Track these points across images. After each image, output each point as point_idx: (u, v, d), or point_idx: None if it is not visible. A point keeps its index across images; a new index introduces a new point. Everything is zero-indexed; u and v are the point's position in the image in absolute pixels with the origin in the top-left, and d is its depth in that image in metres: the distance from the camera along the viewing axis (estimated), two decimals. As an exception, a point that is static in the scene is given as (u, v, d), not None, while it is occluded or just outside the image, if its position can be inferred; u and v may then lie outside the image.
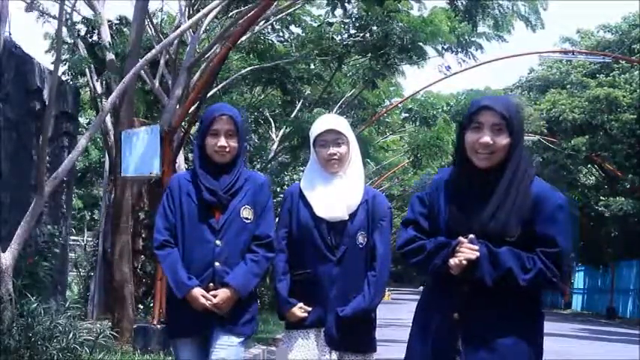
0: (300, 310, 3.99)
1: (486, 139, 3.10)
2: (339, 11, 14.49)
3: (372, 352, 4.08)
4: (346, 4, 13.32)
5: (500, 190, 3.11)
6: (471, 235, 3.12)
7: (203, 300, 3.91)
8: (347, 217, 3.97)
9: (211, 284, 3.94)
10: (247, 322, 4.01)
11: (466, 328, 3.13)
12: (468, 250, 3.07)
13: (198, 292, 3.92)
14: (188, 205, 4.01)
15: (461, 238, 3.11)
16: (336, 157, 3.99)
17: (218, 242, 3.95)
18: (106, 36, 10.35)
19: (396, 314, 23.95)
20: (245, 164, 4.15)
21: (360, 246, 3.97)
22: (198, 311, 3.93)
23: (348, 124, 4.14)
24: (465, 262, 3.07)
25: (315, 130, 4.06)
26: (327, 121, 4.09)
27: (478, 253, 3.06)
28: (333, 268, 3.95)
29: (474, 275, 3.08)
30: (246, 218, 4.00)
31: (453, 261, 3.08)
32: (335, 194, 3.98)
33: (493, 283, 3.07)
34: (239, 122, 4.05)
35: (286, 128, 18.13)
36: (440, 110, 21.50)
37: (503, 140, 3.11)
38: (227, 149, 4.00)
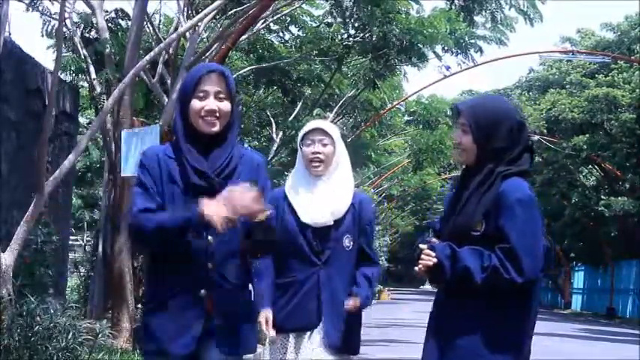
0: (265, 319, 3.91)
1: (454, 137, 3.31)
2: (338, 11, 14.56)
3: (358, 353, 4.09)
4: (345, 3, 13.37)
5: (470, 188, 3.22)
6: (434, 239, 3.25)
7: (218, 201, 3.03)
8: (331, 223, 3.95)
9: (202, 291, 3.15)
10: (249, 335, 3.29)
11: (434, 322, 3.32)
12: (426, 257, 3.19)
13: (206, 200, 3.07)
14: (170, 190, 3.21)
15: (421, 245, 3.23)
16: (319, 155, 3.96)
17: (210, 239, 3.15)
18: (105, 31, 10.36)
19: (397, 314, 23.96)
20: (239, 138, 3.56)
21: (347, 249, 3.97)
22: (186, 321, 3.16)
23: (339, 131, 4.10)
24: (423, 269, 3.20)
25: (304, 129, 4.07)
26: (316, 122, 4.13)
27: (435, 260, 3.16)
28: (319, 271, 3.93)
29: (439, 277, 3.20)
30: None
31: (416, 269, 3.25)
32: (319, 199, 3.96)
33: (456, 283, 3.15)
34: (231, 83, 3.29)
35: (287, 130, 18.15)
36: (443, 114, 21.51)
37: (468, 140, 3.24)
38: (217, 114, 3.22)
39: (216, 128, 3.24)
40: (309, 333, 3.93)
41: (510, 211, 3.09)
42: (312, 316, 3.91)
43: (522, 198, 3.12)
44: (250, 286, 3.34)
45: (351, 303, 3.91)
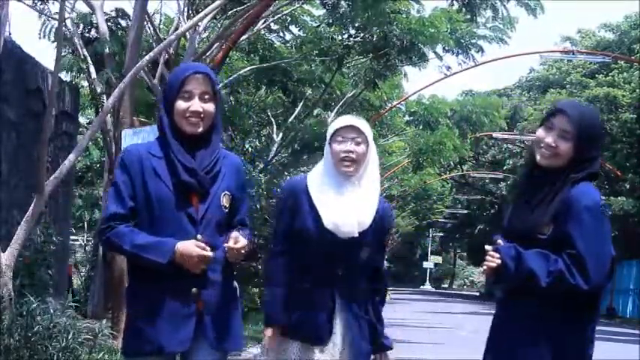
0: (273, 337, 3.61)
1: (550, 139, 3.18)
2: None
3: None
4: (343, 3, 13.36)
5: (543, 191, 3.17)
6: (499, 240, 3.20)
7: (199, 249, 3.14)
8: (356, 235, 3.61)
9: (194, 289, 3.20)
10: (237, 332, 3.36)
11: (496, 323, 3.29)
12: (490, 258, 3.16)
13: (187, 243, 3.14)
14: (156, 188, 3.21)
15: (486, 246, 3.20)
16: (352, 155, 3.61)
17: (199, 237, 3.20)
18: (105, 31, 10.36)
19: (397, 314, 23.96)
20: (222, 141, 3.48)
21: (363, 260, 3.68)
22: (180, 319, 3.20)
23: (370, 130, 3.75)
24: (488, 269, 3.17)
25: (335, 125, 3.69)
26: (349, 118, 3.72)
27: (499, 261, 3.13)
28: (337, 285, 3.63)
29: (503, 278, 3.18)
30: (225, 207, 3.30)
31: (480, 269, 3.23)
32: (347, 206, 3.61)
33: (520, 285, 3.12)
34: (216, 84, 3.32)
35: (287, 131, 18.16)
36: (444, 116, 21.48)
37: (567, 147, 3.16)
38: (201, 115, 3.24)
39: (200, 129, 3.26)
40: (317, 350, 3.62)
41: (578, 218, 3.06)
42: (322, 331, 3.62)
43: (591, 205, 3.09)
44: (235, 283, 3.40)
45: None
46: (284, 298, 3.64)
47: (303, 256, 3.64)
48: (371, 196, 3.69)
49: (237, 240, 3.18)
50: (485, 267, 3.18)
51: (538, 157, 3.22)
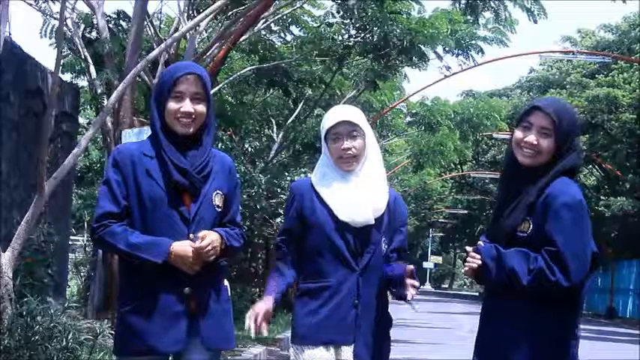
0: (257, 314, 3.42)
1: (530, 138, 3.18)
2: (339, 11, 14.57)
3: None
4: (348, 2, 13.37)
5: (526, 190, 3.17)
6: (480, 242, 3.23)
7: (190, 248, 3.17)
8: (373, 222, 3.52)
9: (187, 289, 3.23)
10: (229, 334, 3.38)
11: (482, 322, 3.32)
12: (471, 259, 3.18)
13: (182, 243, 3.19)
14: (150, 187, 3.23)
15: (467, 248, 3.24)
16: (350, 152, 3.52)
17: (192, 236, 3.22)
18: (105, 31, 10.35)
19: (397, 314, 23.97)
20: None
21: (382, 253, 3.57)
22: (173, 319, 3.21)
23: (364, 116, 3.64)
24: (469, 270, 3.19)
25: (327, 122, 3.57)
26: (340, 113, 3.60)
27: (479, 262, 3.15)
28: (357, 278, 3.50)
29: (484, 278, 3.19)
30: (218, 206, 3.32)
31: (462, 270, 3.26)
32: (357, 196, 3.52)
33: (502, 284, 3.13)
34: (208, 84, 3.31)
35: (288, 131, 18.16)
36: (445, 118, 21.48)
37: (548, 143, 3.16)
38: (193, 116, 3.25)
39: (192, 130, 3.28)
40: (342, 350, 3.49)
41: (557, 215, 3.06)
42: (349, 329, 3.49)
43: (569, 202, 3.09)
44: (226, 282, 3.42)
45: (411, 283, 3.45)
46: (284, 283, 3.55)
47: (322, 252, 3.52)
48: (378, 183, 3.62)
49: (205, 237, 3.19)
50: (466, 268, 3.20)
51: (520, 158, 3.22)
